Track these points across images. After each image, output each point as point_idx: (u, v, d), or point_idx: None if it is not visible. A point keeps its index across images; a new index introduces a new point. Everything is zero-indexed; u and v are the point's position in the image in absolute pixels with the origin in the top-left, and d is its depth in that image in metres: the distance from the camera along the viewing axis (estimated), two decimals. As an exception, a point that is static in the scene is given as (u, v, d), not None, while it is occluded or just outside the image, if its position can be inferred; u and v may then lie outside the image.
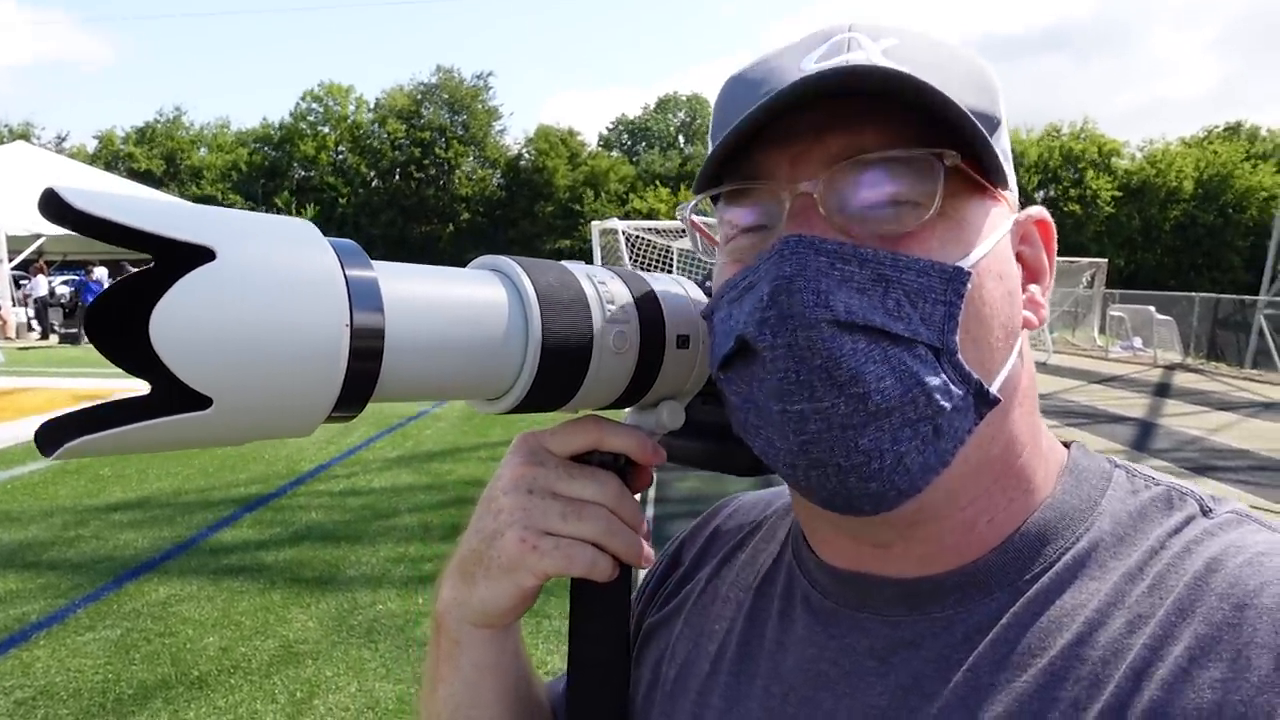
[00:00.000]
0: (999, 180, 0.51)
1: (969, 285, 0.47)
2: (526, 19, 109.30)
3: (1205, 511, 0.51)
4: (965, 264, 0.48)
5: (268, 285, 0.38)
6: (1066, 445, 0.58)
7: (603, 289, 0.54)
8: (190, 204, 0.39)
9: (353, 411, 0.43)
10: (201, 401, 0.37)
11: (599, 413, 0.58)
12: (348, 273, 0.41)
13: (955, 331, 0.47)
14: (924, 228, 0.48)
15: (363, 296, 0.41)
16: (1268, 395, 12.14)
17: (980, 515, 0.52)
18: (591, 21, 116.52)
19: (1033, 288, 0.55)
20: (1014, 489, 0.53)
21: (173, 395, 0.38)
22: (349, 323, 0.40)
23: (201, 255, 0.37)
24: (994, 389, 0.49)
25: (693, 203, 0.56)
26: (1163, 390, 12.55)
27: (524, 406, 0.51)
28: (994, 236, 0.50)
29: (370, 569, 4.57)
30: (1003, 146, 0.52)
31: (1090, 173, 42.66)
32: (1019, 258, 0.54)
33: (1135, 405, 10.87)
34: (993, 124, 0.51)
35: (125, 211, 0.36)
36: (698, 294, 0.60)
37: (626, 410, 0.61)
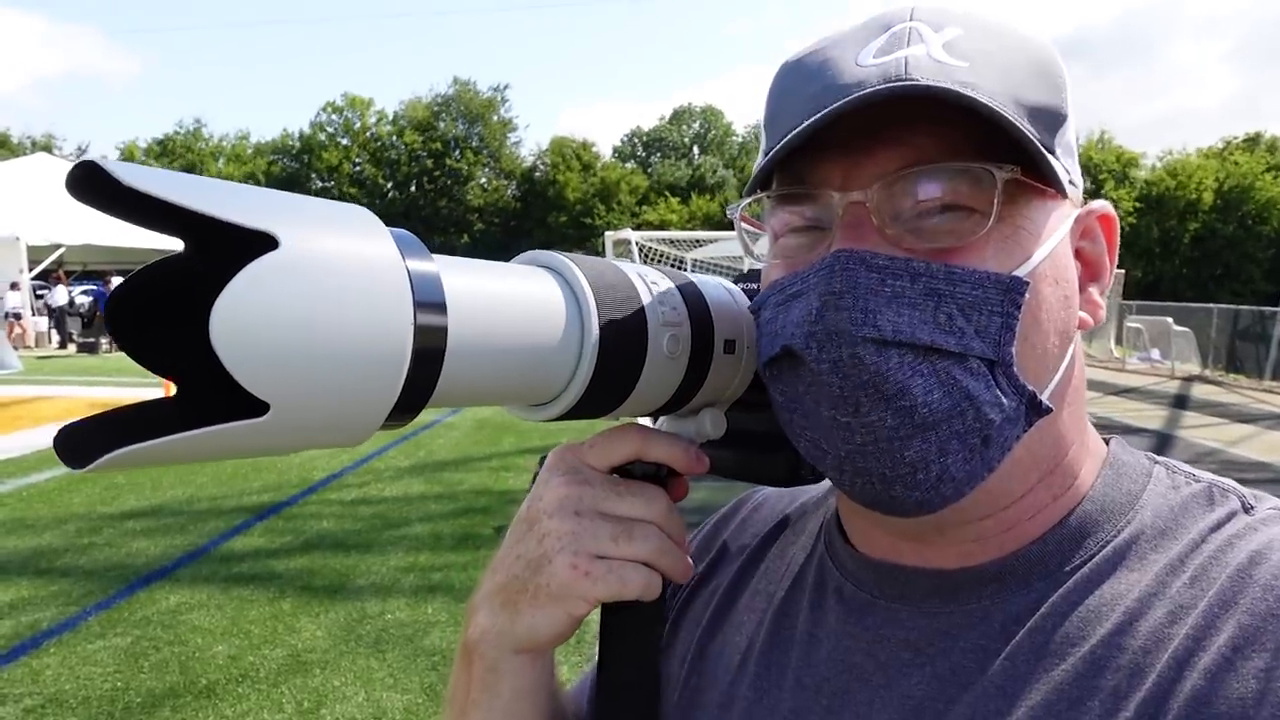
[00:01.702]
0: (1059, 186, 0.49)
1: (1027, 294, 0.46)
2: (544, 38, 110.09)
3: (1247, 508, 0.51)
4: (1023, 271, 0.47)
5: (335, 279, 0.34)
6: (1105, 440, 0.57)
7: (655, 289, 0.51)
8: (244, 185, 0.35)
9: (404, 420, 0.39)
10: (253, 406, 0.32)
11: (636, 420, 0.56)
12: (410, 267, 0.37)
13: (1012, 343, 0.46)
14: (981, 238, 0.47)
15: (426, 292, 0.37)
16: (1289, 408, 11.97)
17: (1024, 513, 0.52)
18: (607, 37, 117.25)
19: (1091, 288, 0.54)
20: (1058, 486, 0.52)
21: (206, 395, 0.34)
22: (413, 321, 0.36)
23: (259, 244, 0.32)
24: (1046, 396, 0.48)
25: (743, 203, 0.55)
26: (1180, 402, 12.40)
27: (572, 414, 0.48)
28: (1054, 239, 0.49)
29: (380, 578, 4.57)
30: (1066, 140, 0.50)
31: (1110, 183, 42.36)
32: (1078, 254, 0.53)
33: (1152, 417, 10.75)
34: (1058, 119, 0.49)
35: (179, 189, 0.31)
36: (742, 298, 0.58)
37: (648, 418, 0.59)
